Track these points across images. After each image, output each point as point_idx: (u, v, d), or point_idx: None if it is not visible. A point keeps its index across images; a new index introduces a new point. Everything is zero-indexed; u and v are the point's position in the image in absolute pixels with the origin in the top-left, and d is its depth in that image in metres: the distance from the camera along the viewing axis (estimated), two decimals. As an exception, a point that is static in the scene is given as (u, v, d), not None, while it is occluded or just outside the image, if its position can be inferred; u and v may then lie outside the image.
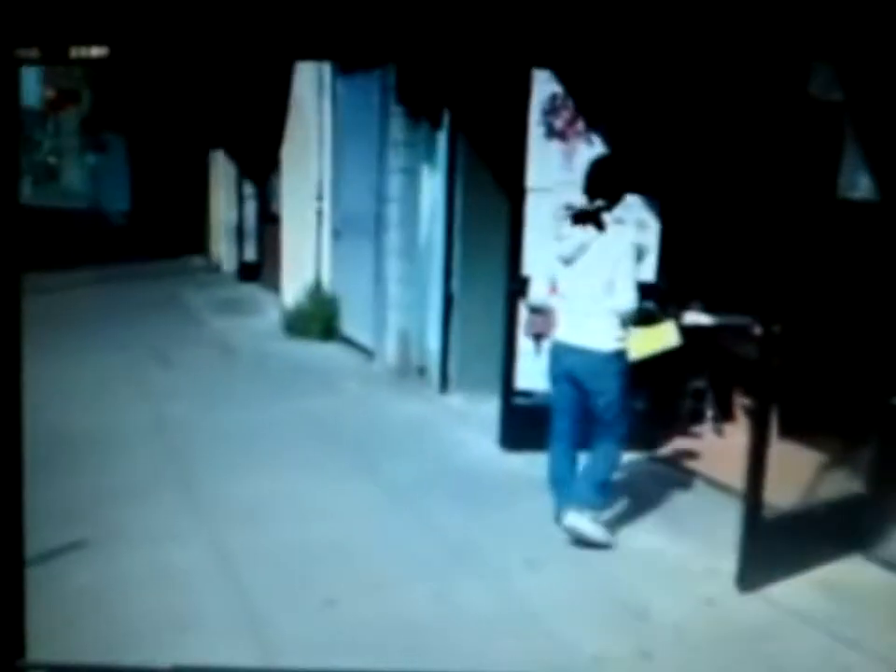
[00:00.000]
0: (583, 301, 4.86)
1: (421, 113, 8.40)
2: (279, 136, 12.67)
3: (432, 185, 8.40)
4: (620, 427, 4.96)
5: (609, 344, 4.86)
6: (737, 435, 6.74)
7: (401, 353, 8.78)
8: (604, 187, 4.83)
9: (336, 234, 10.61)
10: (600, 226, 4.82)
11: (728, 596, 4.45)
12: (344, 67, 10.17)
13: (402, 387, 8.30)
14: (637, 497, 5.57)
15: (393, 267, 8.88)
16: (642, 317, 6.10)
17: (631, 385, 5.07)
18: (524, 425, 6.26)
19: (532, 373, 6.30)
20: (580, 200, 4.86)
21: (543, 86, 6.10)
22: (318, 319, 10.35)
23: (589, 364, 4.87)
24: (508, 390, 6.34)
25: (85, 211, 25.16)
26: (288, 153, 12.39)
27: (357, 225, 9.88)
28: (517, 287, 6.20)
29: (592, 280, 4.81)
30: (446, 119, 7.81)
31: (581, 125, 6.14)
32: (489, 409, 6.83)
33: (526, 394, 6.34)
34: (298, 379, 8.44)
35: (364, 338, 9.58)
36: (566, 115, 6.12)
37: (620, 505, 5.39)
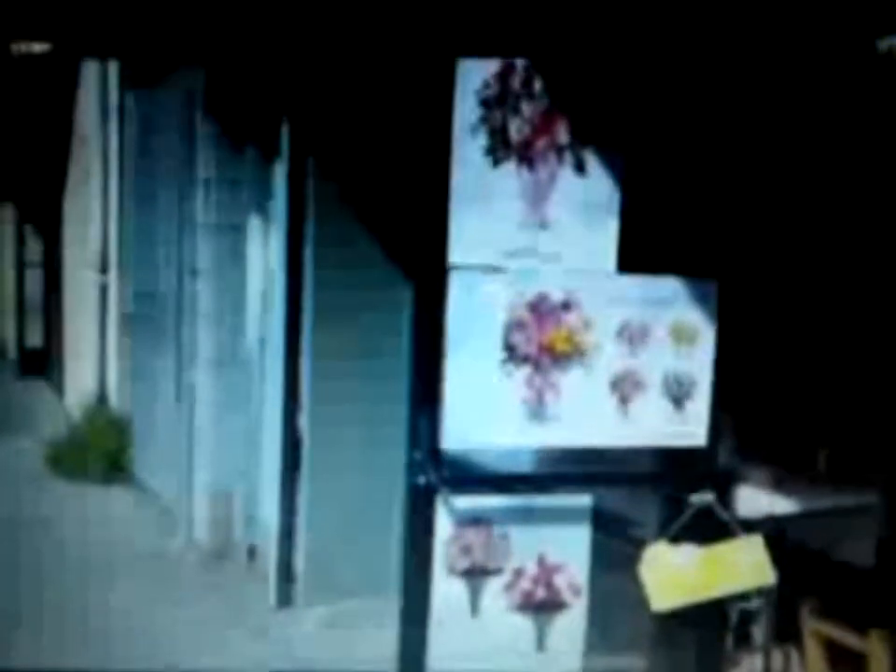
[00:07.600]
0: None
1: (246, 133, 5.16)
2: (64, 182, 9.25)
3: (265, 250, 5.16)
4: None
5: None
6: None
7: (219, 521, 5.48)
8: None
9: (128, 322, 7.14)
10: None
11: None
12: (137, 76, 6.81)
13: (217, 591, 4.90)
14: None
15: (205, 380, 5.54)
16: (696, 526, 2.99)
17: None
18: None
19: (466, 649, 3.02)
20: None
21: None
22: (99, 451, 6.86)
23: None
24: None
25: None
26: (70, 204, 8.91)
27: (158, 310, 6.49)
28: (431, 474, 2.90)
29: None
30: (285, 142, 4.59)
31: (561, 132, 2.93)
32: (374, 649, 3.75)
33: (454, 687, 3.05)
34: (39, 578, 4.85)
35: (166, 486, 6.14)
36: (529, 111, 2.90)
37: None
